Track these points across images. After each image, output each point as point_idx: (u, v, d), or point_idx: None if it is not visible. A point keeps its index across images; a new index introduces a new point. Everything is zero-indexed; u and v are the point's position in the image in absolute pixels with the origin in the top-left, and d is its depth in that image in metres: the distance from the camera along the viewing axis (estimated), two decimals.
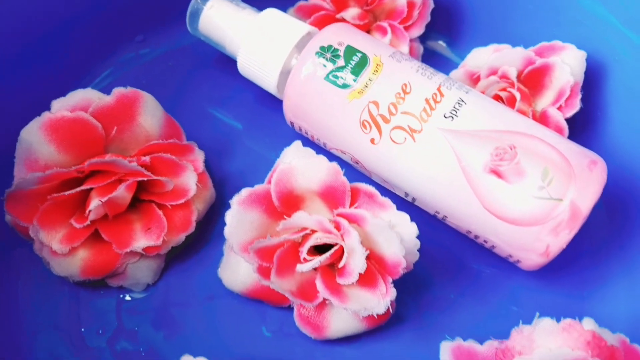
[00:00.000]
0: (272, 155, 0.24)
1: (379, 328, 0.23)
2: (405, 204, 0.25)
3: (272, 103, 0.28)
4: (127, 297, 0.23)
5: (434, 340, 0.22)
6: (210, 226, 0.25)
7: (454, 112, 0.22)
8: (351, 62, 0.23)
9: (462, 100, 0.22)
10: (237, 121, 0.29)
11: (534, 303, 0.25)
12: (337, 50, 0.23)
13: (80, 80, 0.28)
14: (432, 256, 0.25)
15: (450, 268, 0.25)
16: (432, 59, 0.31)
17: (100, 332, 0.22)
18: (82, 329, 0.22)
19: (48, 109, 0.21)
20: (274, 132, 0.28)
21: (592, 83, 0.27)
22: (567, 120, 0.27)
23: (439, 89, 0.22)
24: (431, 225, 0.25)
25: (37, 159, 0.21)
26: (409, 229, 0.20)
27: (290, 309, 0.23)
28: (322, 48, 0.23)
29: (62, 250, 0.21)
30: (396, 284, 0.24)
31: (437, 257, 0.25)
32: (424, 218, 0.25)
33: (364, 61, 0.23)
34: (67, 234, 0.21)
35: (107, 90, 0.23)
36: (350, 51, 0.23)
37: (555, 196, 0.21)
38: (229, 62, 0.29)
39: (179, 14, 0.27)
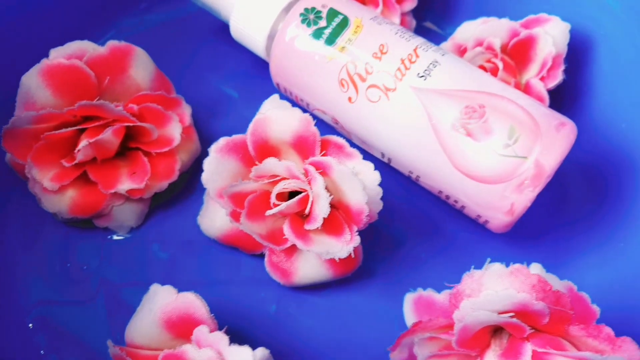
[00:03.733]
0: None
1: (347, 280, 0.24)
2: (383, 166, 0.26)
3: (268, 71, 0.29)
4: (113, 237, 0.25)
5: (400, 295, 0.23)
6: (194, 179, 0.26)
7: (428, 72, 0.23)
8: (332, 23, 0.24)
9: (437, 62, 0.23)
10: (233, 87, 0.30)
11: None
12: (320, 12, 0.24)
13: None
14: (407, 217, 0.26)
15: (423, 229, 0.26)
16: (425, 34, 0.32)
17: (85, 268, 0.24)
18: (68, 264, 0.24)
19: None
20: (267, 96, 0.29)
21: (579, 57, 0.28)
22: (553, 92, 0.27)
23: (415, 50, 0.23)
24: (407, 189, 0.26)
25: (34, 102, 0.23)
26: (371, 177, 0.21)
27: (263, 256, 0.24)
28: (305, 10, 0.24)
29: (53, 188, 0.23)
30: (369, 241, 0.24)
31: (411, 218, 0.26)
32: (401, 181, 0.26)
33: (344, 22, 0.24)
34: (58, 172, 0.23)
35: None
36: (333, 13, 0.24)
37: (521, 154, 0.21)
38: (229, 32, 0.30)
39: None
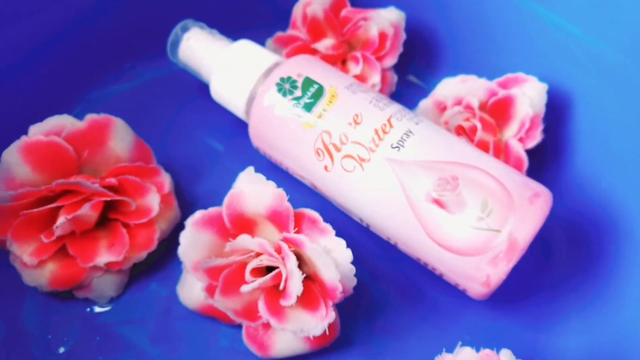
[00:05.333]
0: None
1: (327, 350, 0.24)
2: (362, 230, 0.26)
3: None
4: (93, 309, 0.25)
5: None
6: (175, 245, 0.26)
7: (401, 143, 0.23)
8: (308, 92, 0.24)
9: (410, 132, 0.23)
10: (218, 141, 0.30)
11: (488, 333, 0.25)
12: (295, 81, 0.25)
13: (74, 102, 0.30)
14: (389, 281, 0.26)
15: (405, 294, 0.25)
16: (407, 88, 0.32)
17: (65, 339, 0.24)
18: (50, 336, 0.24)
19: None
20: (250, 155, 0.29)
21: (559, 114, 0.28)
22: (533, 151, 0.27)
23: (389, 120, 0.23)
24: (389, 251, 0.26)
25: (14, 178, 0.23)
26: (344, 254, 0.21)
27: (241, 327, 0.24)
28: (282, 79, 0.25)
29: (32, 263, 0.23)
30: (348, 307, 0.24)
31: (393, 282, 0.26)
32: (382, 244, 0.26)
33: (319, 92, 0.24)
34: (37, 247, 0.23)
35: (98, 112, 0.24)
36: (308, 82, 0.24)
37: (494, 227, 0.21)
38: None
39: (166, 44, 0.29)
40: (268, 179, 0.23)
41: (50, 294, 0.24)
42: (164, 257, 0.26)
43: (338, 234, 0.21)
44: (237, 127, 0.30)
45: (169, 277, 0.25)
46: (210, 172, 0.29)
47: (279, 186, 0.22)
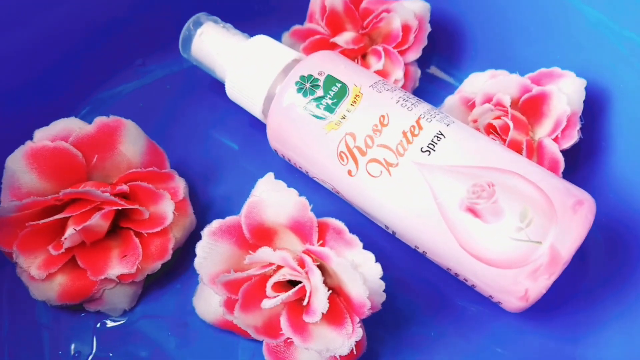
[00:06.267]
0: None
1: None
2: (387, 236, 0.25)
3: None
4: (105, 322, 0.24)
5: None
6: (190, 253, 0.25)
7: (432, 146, 0.21)
8: (330, 92, 0.23)
9: (442, 134, 0.21)
10: (233, 140, 0.29)
11: (521, 345, 0.23)
12: (317, 80, 0.23)
13: (81, 102, 0.29)
14: (415, 291, 0.24)
15: (433, 304, 0.24)
16: (431, 83, 0.30)
17: (76, 355, 0.23)
18: (60, 352, 0.23)
19: None
20: (267, 154, 0.28)
21: (597, 111, 0.26)
22: (569, 150, 0.25)
23: (417, 121, 0.22)
24: (415, 259, 0.25)
25: (20, 187, 0.22)
26: (372, 270, 0.19)
27: (261, 341, 0.22)
28: (302, 78, 0.23)
29: (40, 276, 0.22)
30: (374, 318, 0.23)
31: (420, 292, 0.24)
32: (409, 251, 0.25)
33: (343, 91, 0.23)
34: (45, 260, 0.22)
35: (107, 113, 0.23)
36: (330, 81, 0.23)
37: (534, 239, 0.19)
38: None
39: (177, 39, 0.28)
40: (286, 182, 0.21)
41: (60, 307, 0.23)
42: (178, 266, 0.25)
43: (361, 240, 0.20)
44: (253, 127, 0.29)
45: (185, 288, 0.24)
46: (226, 174, 0.28)
47: (298, 191, 0.21)
